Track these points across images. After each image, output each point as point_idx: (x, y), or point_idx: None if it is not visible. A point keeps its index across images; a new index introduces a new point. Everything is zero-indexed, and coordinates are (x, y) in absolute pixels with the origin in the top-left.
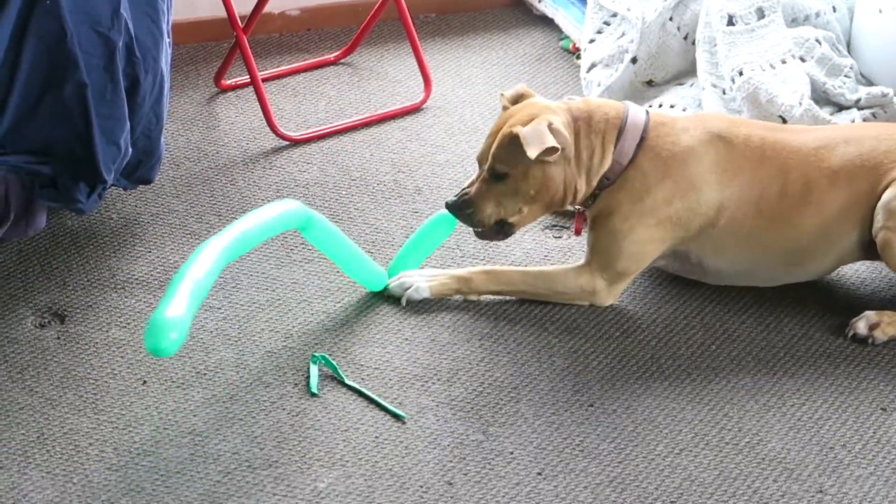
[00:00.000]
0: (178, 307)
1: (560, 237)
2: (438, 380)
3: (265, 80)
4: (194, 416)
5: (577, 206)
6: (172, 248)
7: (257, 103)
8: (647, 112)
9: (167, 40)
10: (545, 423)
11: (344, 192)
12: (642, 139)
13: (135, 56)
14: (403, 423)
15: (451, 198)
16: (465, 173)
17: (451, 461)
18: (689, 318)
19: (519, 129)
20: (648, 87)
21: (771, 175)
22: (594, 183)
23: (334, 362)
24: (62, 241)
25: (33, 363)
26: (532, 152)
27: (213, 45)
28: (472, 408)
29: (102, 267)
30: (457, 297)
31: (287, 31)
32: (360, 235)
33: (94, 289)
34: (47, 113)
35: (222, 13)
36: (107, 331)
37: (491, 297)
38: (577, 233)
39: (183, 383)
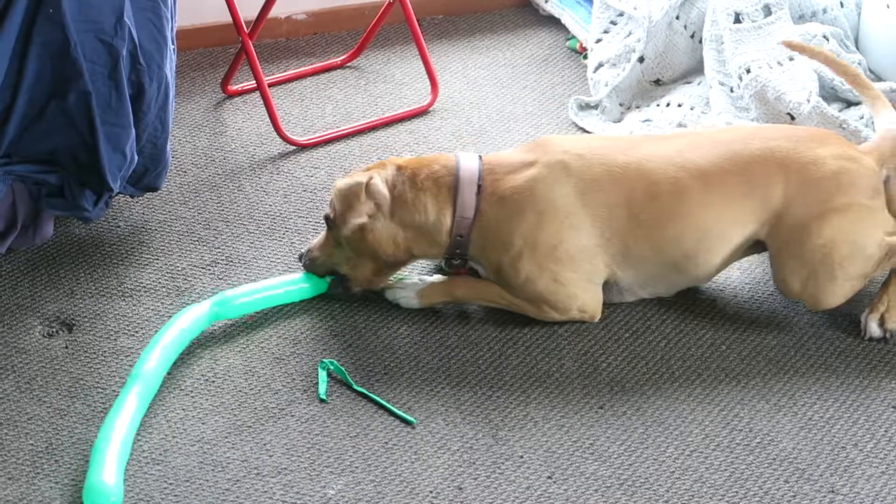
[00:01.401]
0: (110, 474)
1: None
2: (447, 384)
3: (272, 84)
4: (202, 423)
5: (446, 266)
6: (180, 255)
7: (264, 108)
8: (480, 158)
9: (171, 47)
10: (555, 425)
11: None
12: (479, 188)
13: (139, 63)
14: (413, 427)
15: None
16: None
17: (460, 465)
18: (698, 318)
19: (338, 182)
20: (656, 86)
21: (633, 182)
22: (440, 240)
23: (343, 367)
24: (69, 250)
25: (41, 373)
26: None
27: (219, 51)
28: (481, 411)
29: (110, 275)
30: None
31: (293, 36)
32: None
33: (101, 297)
34: (52, 121)
35: (228, 18)
36: (115, 339)
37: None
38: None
39: (191, 391)
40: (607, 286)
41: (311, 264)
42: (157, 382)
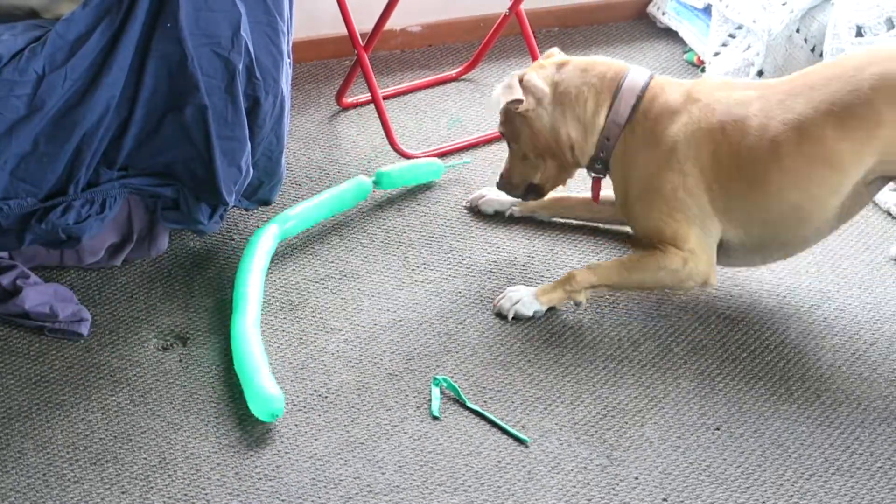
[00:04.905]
0: (272, 385)
1: None
2: (562, 402)
3: (386, 97)
4: (315, 439)
5: (590, 172)
6: (294, 269)
7: (378, 121)
8: (651, 76)
9: (287, 60)
10: (670, 447)
11: (463, 212)
12: (638, 100)
13: (255, 77)
14: (526, 446)
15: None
16: (585, 186)
17: (574, 486)
18: (818, 339)
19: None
20: None
21: (734, 129)
22: (592, 139)
23: (456, 385)
24: (184, 263)
25: (156, 386)
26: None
27: (335, 63)
28: (595, 431)
29: (225, 288)
30: (567, 303)
31: (408, 48)
32: (480, 255)
33: (215, 311)
34: (168, 135)
35: (343, 31)
36: (228, 353)
37: (605, 294)
38: (595, 199)
39: (304, 406)
40: (721, 248)
41: (508, 185)
42: (260, 303)
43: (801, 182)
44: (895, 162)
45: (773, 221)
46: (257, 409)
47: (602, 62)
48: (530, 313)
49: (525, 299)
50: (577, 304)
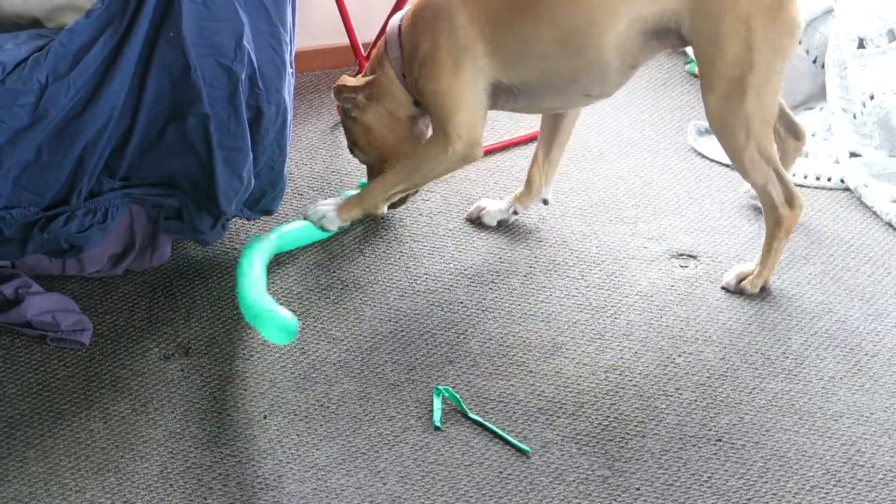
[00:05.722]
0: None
1: (686, 266)
2: (563, 413)
3: None
4: (317, 449)
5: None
6: (296, 279)
7: None
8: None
9: (290, 70)
10: (672, 458)
11: (464, 222)
12: (399, 28)
13: (258, 87)
14: (528, 457)
15: None
16: (589, 201)
17: (576, 497)
18: (819, 350)
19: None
20: None
21: None
22: (400, 95)
23: (458, 395)
24: (186, 272)
25: (157, 396)
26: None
27: (337, 73)
28: (597, 442)
29: (226, 298)
30: (361, 214)
31: None
32: (482, 265)
33: (217, 320)
34: (171, 144)
35: (345, 41)
36: (230, 363)
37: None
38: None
39: (306, 416)
40: (500, 93)
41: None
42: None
43: (572, 5)
44: (676, 15)
45: (547, 53)
46: (273, 333)
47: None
48: (335, 228)
49: (329, 215)
50: (381, 218)
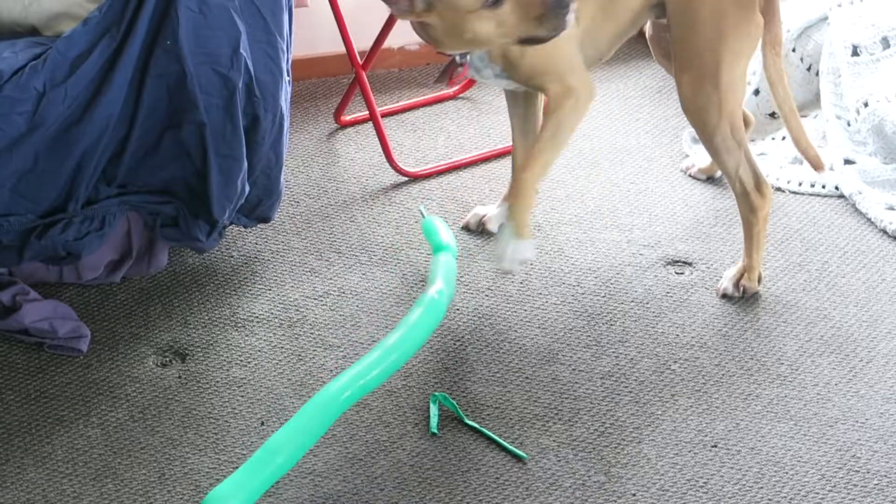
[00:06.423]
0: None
1: (682, 273)
2: (559, 419)
3: (384, 115)
4: (314, 455)
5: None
6: (293, 286)
7: (377, 139)
8: None
9: (287, 78)
10: (668, 464)
11: (460, 229)
12: None
13: (255, 95)
14: (524, 463)
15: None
16: (584, 208)
17: (572, 503)
18: (814, 357)
19: None
20: (772, 119)
21: None
22: None
23: (454, 401)
24: (183, 280)
25: (154, 402)
26: None
27: (333, 81)
28: (593, 448)
29: (223, 305)
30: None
31: (406, 66)
32: (478, 272)
33: (214, 327)
34: (167, 152)
35: (342, 49)
36: (227, 370)
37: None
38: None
39: None
40: None
41: None
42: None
43: None
44: None
45: (595, 17)
46: None
47: None
48: (531, 255)
49: (518, 247)
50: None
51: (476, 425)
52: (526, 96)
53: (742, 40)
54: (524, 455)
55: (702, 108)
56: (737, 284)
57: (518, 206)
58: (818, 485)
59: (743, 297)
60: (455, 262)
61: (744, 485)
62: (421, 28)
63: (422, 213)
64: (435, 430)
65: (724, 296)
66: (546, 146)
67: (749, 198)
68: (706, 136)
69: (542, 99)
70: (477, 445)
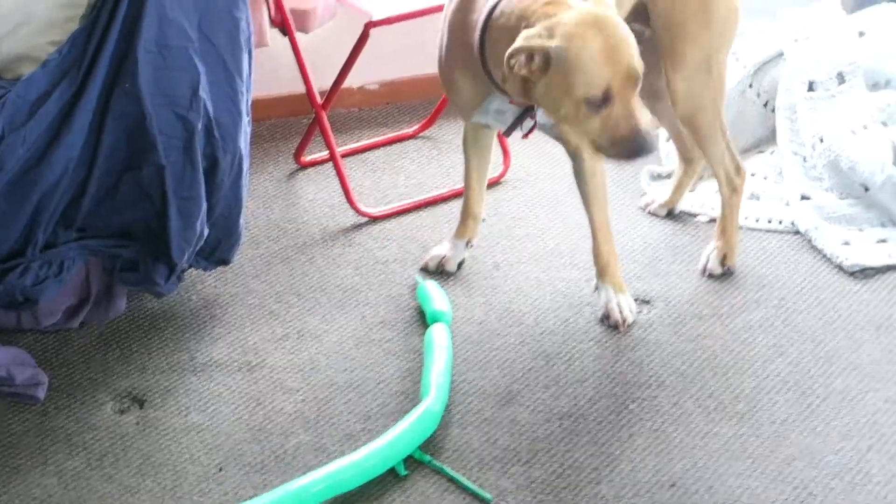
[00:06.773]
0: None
1: (640, 312)
2: (518, 461)
3: (344, 155)
4: None
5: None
6: (252, 329)
7: (337, 179)
8: None
9: (246, 119)
10: None
11: (422, 270)
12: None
13: (214, 137)
14: None
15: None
16: (545, 247)
17: None
18: (771, 394)
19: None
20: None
21: None
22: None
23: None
24: (141, 324)
25: (112, 450)
26: None
27: (293, 121)
28: (551, 490)
29: (182, 349)
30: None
31: (366, 106)
32: None
33: (173, 372)
34: (126, 195)
35: (301, 89)
36: (185, 415)
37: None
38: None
39: (261, 468)
40: None
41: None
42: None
43: None
44: None
45: None
46: None
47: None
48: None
49: (621, 301)
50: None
51: (441, 466)
52: (487, 134)
53: (725, 28)
54: (489, 496)
55: (696, 101)
56: (722, 264)
57: (610, 273)
58: None
59: (724, 275)
60: (451, 357)
61: None
62: (520, 83)
63: (417, 281)
64: (402, 472)
65: (710, 275)
66: (598, 212)
67: (732, 181)
68: (708, 130)
69: (492, 139)
70: (436, 489)
